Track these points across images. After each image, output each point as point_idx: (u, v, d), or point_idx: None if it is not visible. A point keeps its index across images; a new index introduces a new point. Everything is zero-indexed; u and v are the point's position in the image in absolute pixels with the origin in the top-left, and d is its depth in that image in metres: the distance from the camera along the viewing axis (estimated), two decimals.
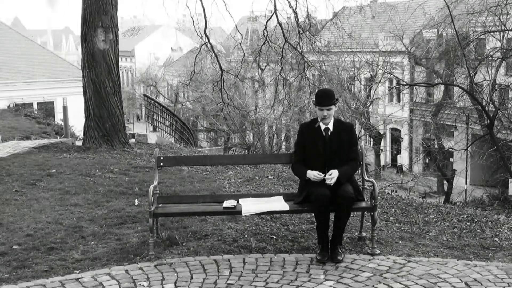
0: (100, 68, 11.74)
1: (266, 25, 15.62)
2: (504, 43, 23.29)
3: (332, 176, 5.54)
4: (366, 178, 6.00)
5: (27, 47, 32.06)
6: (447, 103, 29.31)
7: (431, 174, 32.62)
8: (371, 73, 33.99)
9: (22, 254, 5.79)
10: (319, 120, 5.77)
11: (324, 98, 5.69)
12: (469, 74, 21.88)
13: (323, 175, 5.59)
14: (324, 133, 5.75)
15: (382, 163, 38.12)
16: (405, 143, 38.88)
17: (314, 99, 5.76)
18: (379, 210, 6.58)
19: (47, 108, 28.29)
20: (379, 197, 6.20)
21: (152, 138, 15.29)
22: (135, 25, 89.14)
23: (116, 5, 11.92)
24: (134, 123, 62.16)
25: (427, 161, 36.09)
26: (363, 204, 5.79)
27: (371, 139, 36.11)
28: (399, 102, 37.40)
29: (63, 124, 18.31)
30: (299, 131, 5.97)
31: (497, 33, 22.54)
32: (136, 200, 7.72)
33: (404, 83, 30.36)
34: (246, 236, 6.23)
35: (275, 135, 36.72)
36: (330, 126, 5.75)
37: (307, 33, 15.62)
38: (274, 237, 6.21)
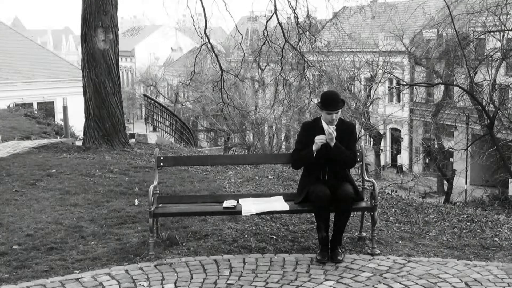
0: (100, 68, 11.73)
1: (266, 25, 15.63)
2: (504, 43, 23.29)
3: (332, 134, 5.55)
4: (366, 178, 5.99)
5: (27, 47, 32.09)
6: (447, 103, 29.29)
7: (431, 174, 32.61)
8: (371, 73, 33.99)
9: (22, 254, 5.79)
10: (324, 121, 5.68)
11: (332, 102, 5.61)
12: (469, 74, 21.89)
13: (324, 138, 5.59)
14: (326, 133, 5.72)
15: (382, 163, 38.11)
16: (405, 143, 38.87)
17: (320, 103, 5.67)
18: (379, 210, 6.57)
19: (47, 108, 28.28)
20: (379, 197, 6.20)
21: (152, 138, 15.27)
22: (135, 25, 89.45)
23: (116, 5, 11.92)
24: (134, 123, 62.18)
25: (427, 161, 36.08)
26: (363, 204, 5.79)
27: (371, 139, 36.10)
28: (399, 102, 37.38)
29: (63, 124, 18.30)
30: (301, 130, 5.95)
31: (497, 33, 22.55)
32: (136, 200, 7.72)
33: (404, 83, 30.35)
34: (246, 236, 6.23)
35: (275, 135, 36.71)
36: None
37: (307, 33, 15.64)
38: (274, 237, 6.21)
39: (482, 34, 23.07)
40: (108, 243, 6.09)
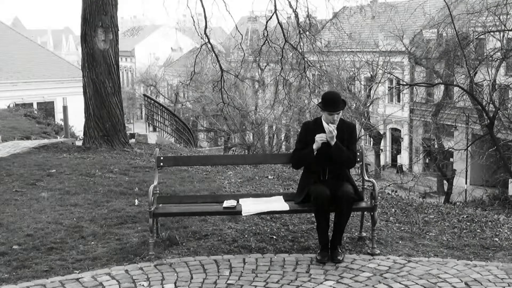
0: (100, 68, 11.74)
1: (266, 25, 15.63)
2: (504, 43, 23.27)
3: (332, 132, 5.55)
4: (366, 178, 5.99)
5: (27, 47, 32.10)
6: (447, 103, 29.30)
7: (431, 174, 32.62)
8: (371, 73, 34.00)
9: (22, 254, 5.79)
10: (325, 121, 5.67)
11: (334, 103, 5.61)
12: (469, 74, 21.88)
13: (324, 137, 5.59)
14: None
15: (382, 163, 38.12)
16: (405, 143, 38.88)
17: (321, 103, 5.65)
18: (379, 210, 6.57)
19: (47, 108, 28.33)
20: (379, 197, 6.20)
21: (152, 138, 15.28)
22: (135, 25, 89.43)
23: (116, 5, 11.93)
24: (134, 123, 62.19)
25: (427, 161, 36.07)
26: (363, 204, 5.79)
27: (371, 139, 36.11)
28: (399, 102, 37.39)
29: (63, 124, 18.31)
30: (302, 129, 5.94)
31: (497, 33, 22.54)
32: (136, 200, 7.72)
33: (404, 83, 30.35)
34: (246, 236, 6.23)
35: (275, 135, 36.72)
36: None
37: (307, 33, 15.63)
38: (274, 237, 6.21)
39: (482, 34, 23.06)
40: (108, 243, 6.09)
